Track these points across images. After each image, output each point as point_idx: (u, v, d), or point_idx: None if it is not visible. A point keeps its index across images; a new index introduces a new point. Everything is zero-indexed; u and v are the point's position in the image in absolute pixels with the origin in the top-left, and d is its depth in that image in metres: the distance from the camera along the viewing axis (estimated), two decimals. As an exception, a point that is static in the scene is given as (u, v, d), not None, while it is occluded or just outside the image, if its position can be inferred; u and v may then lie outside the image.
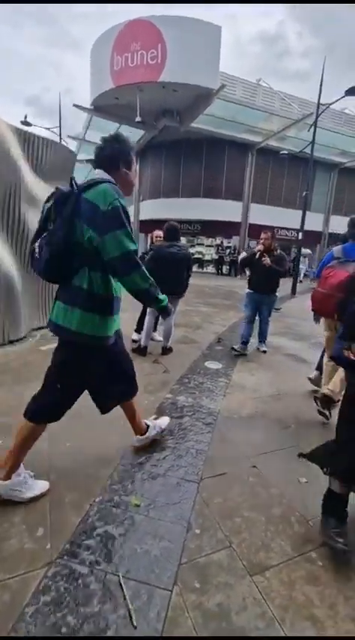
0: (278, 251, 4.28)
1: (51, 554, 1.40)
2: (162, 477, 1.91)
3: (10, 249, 4.13)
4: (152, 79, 13.32)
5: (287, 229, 19.09)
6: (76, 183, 1.51)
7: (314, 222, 19.17)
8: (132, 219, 18.93)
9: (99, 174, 1.62)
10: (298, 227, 12.13)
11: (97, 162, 1.66)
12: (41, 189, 4.59)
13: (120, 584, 1.29)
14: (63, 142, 13.55)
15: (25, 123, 12.35)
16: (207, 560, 1.44)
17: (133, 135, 17.79)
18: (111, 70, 14.17)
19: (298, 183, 18.95)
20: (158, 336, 4.64)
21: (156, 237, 4.69)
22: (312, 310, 2.78)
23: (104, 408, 1.88)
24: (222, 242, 19.00)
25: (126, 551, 1.44)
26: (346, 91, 10.19)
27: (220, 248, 18.76)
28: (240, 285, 13.30)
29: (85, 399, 2.35)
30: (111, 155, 1.64)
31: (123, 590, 1.27)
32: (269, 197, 19.31)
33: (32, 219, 4.36)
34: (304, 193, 11.52)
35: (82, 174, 24.54)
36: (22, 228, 4.22)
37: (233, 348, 4.32)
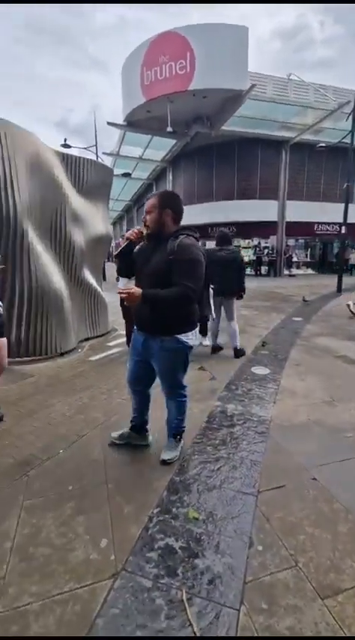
0: (180, 239, 1.83)
1: (115, 565, 1.42)
2: (217, 489, 1.88)
3: (58, 266, 4.37)
4: (182, 88, 13.49)
5: (328, 224, 18.23)
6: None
7: (358, 214, 18.12)
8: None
9: None
10: (339, 221, 11.52)
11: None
12: (83, 207, 4.82)
13: (184, 601, 1.28)
14: (99, 160, 14.16)
15: (65, 145, 13.09)
16: (273, 579, 1.38)
17: (165, 145, 18.14)
18: (141, 86, 14.59)
19: (337, 176, 18.01)
20: (206, 341, 4.78)
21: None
22: None
23: None
24: (259, 243, 18.60)
25: (188, 565, 1.42)
26: (387, 73, 9.53)
27: (258, 249, 18.39)
28: (280, 285, 12.90)
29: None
30: None
31: (186, 608, 1.26)
32: (306, 193, 18.55)
33: (77, 236, 4.58)
34: (345, 185, 10.93)
35: (118, 187, 25.48)
36: (69, 246, 4.44)
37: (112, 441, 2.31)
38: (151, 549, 1.49)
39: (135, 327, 2.10)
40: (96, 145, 14.10)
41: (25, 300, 3.84)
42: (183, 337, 1.93)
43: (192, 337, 1.98)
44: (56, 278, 4.19)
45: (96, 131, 14.29)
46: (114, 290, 5.13)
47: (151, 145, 18.16)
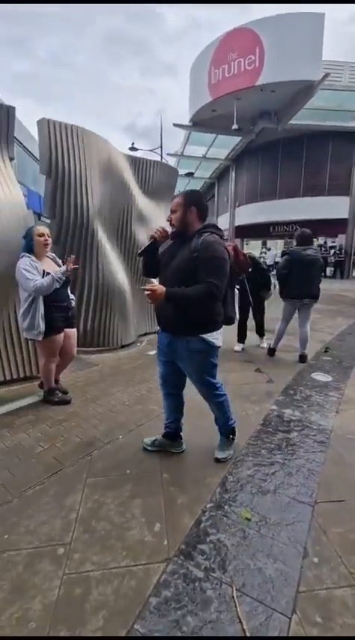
0: (203, 237, 1.78)
1: (168, 551, 1.48)
2: (272, 494, 1.84)
3: (123, 263, 4.62)
4: (249, 84, 13.24)
5: None
6: None
7: None
8: (226, 226, 18.92)
9: None
10: None
11: None
12: (148, 207, 5.01)
13: (234, 598, 1.29)
14: (164, 161, 14.54)
15: (132, 148, 13.71)
16: (329, 594, 1.32)
17: (229, 143, 17.96)
18: (209, 85, 14.64)
19: None
20: (263, 343, 4.69)
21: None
22: None
23: None
24: (325, 242, 17.50)
25: (239, 564, 1.42)
26: None
27: (323, 248, 17.30)
28: (348, 288, 11.97)
29: (193, 405, 2.42)
30: None
31: (236, 605, 1.26)
32: (384, 187, 16.94)
33: (141, 235, 4.79)
34: None
35: (181, 187, 25.95)
36: (133, 244, 4.66)
37: (144, 447, 2.24)
38: (203, 542, 1.52)
39: (158, 328, 2.08)
40: (161, 147, 14.50)
41: (92, 295, 4.14)
42: (208, 337, 1.88)
43: (217, 337, 1.92)
44: (120, 275, 4.43)
45: (162, 133, 14.69)
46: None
47: (215, 144, 18.13)
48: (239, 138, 17.12)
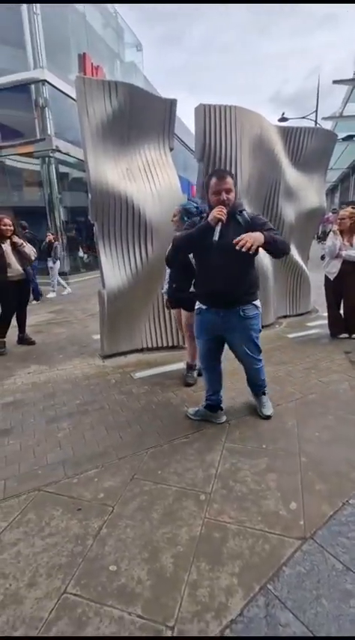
0: (244, 212, 2.07)
1: (304, 530, 1.47)
2: None
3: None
4: None
5: None
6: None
7: None
8: None
9: None
10: None
11: None
12: (297, 180, 4.67)
13: (379, 604, 1.18)
14: (318, 126, 13.07)
15: (283, 119, 12.83)
16: None
17: None
18: (384, 21, 12.05)
19: None
20: None
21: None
22: None
23: None
24: None
25: (388, 572, 1.29)
26: None
27: None
28: None
29: (341, 400, 2.24)
30: None
31: (381, 611, 1.16)
32: None
33: (287, 211, 4.54)
34: None
35: (337, 152, 22.77)
36: (279, 221, 4.47)
37: (187, 416, 2.42)
38: (344, 535, 1.44)
39: (201, 305, 2.18)
40: (316, 112, 13.03)
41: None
42: (258, 303, 2.17)
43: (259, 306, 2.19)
44: (261, 255, 4.34)
45: (318, 96, 13.14)
46: (317, 270, 4.84)
47: (388, 94, 14.96)
48: None
